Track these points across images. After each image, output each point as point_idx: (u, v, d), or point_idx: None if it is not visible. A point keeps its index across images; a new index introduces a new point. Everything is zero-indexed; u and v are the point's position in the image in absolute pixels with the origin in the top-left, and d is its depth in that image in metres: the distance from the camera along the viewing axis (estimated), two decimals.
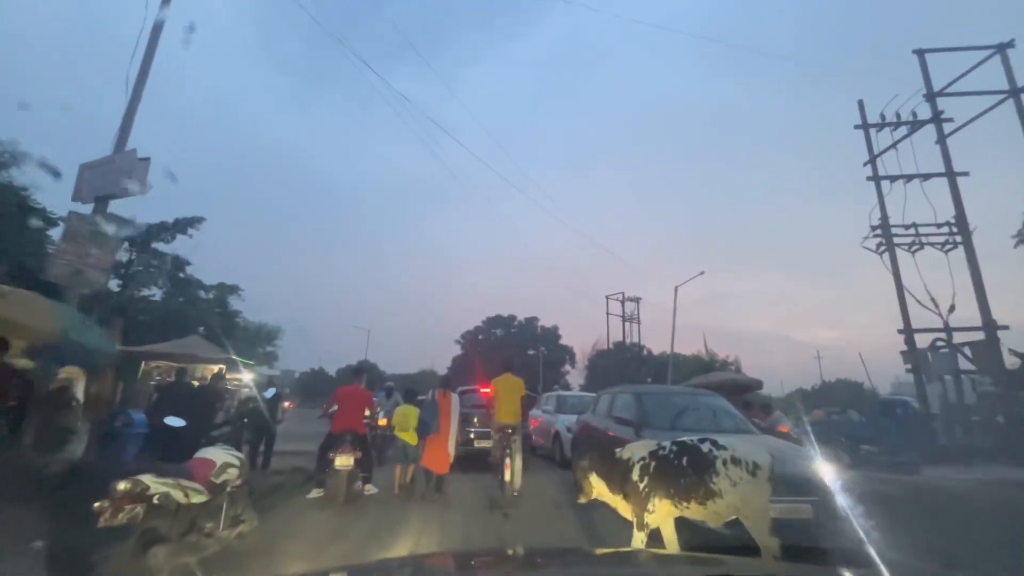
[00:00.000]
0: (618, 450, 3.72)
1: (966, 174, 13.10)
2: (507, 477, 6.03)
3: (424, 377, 56.27)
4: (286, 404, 9.31)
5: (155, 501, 2.81)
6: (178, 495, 3.01)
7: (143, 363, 12.07)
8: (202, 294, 30.49)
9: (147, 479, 2.86)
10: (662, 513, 3.37)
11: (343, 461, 5.55)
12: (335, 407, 6.14)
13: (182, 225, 23.68)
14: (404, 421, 6.76)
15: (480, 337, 48.00)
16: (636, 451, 3.60)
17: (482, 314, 49.32)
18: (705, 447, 3.46)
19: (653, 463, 3.48)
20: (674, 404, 6.12)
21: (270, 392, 8.33)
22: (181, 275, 24.49)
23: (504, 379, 6.53)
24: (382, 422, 9.27)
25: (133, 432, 6.36)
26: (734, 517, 3.28)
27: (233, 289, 33.02)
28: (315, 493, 5.94)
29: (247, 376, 11.06)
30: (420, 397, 7.20)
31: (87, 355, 5.37)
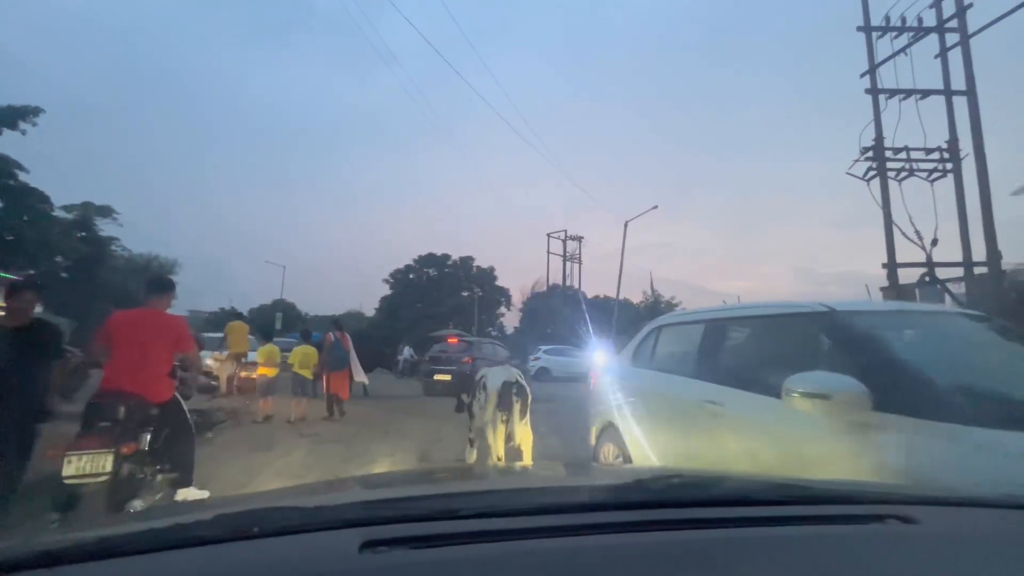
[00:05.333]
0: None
1: (963, 93, 11.72)
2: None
3: (350, 318, 52.67)
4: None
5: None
6: None
7: None
8: (63, 214, 24.48)
9: None
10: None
11: (79, 468, 2.54)
12: (107, 349, 3.09)
13: (7, 116, 17.84)
14: (305, 360, 7.77)
15: (411, 276, 44.68)
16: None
17: (416, 253, 45.47)
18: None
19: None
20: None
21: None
22: (12, 183, 18.78)
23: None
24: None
25: None
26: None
27: (105, 211, 27.00)
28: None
29: None
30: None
31: None
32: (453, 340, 13.79)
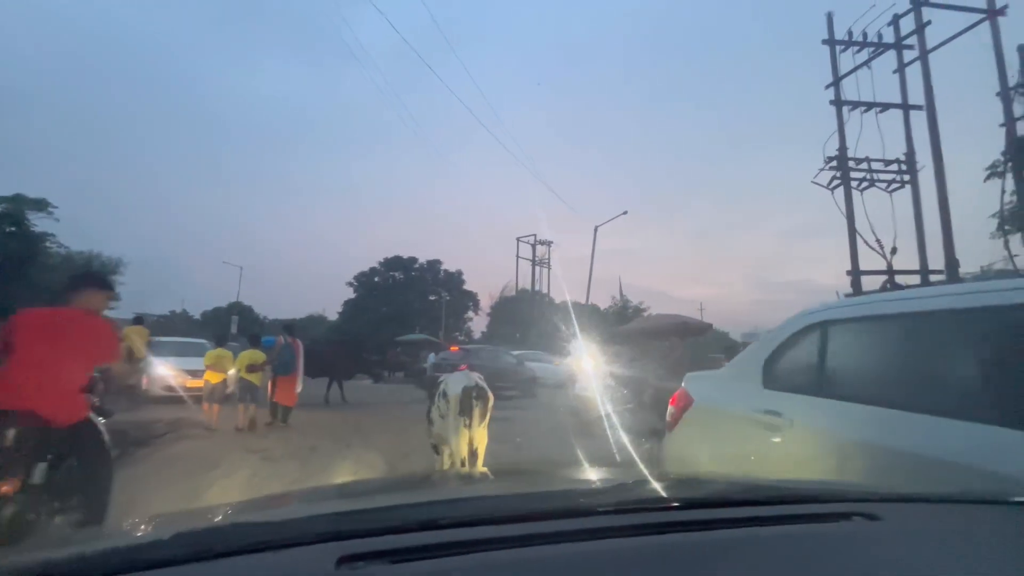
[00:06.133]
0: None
1: (919, 107, 12.21)
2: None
3: (312, 323, 50.75)
4: None
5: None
6: None
7: None
8: None
9: None
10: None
11: None
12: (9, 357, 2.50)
13: None
14: (252, 364, 7.48)
15: (376, 280, 43.58)
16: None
17: (382, 255, 44.31)
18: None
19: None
20: None
21: None
22: None
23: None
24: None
25: None
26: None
27: (40, 204, 24.93)
28: None
29: None
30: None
31: None
32: (454, 348, 14.97)
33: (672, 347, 9.15)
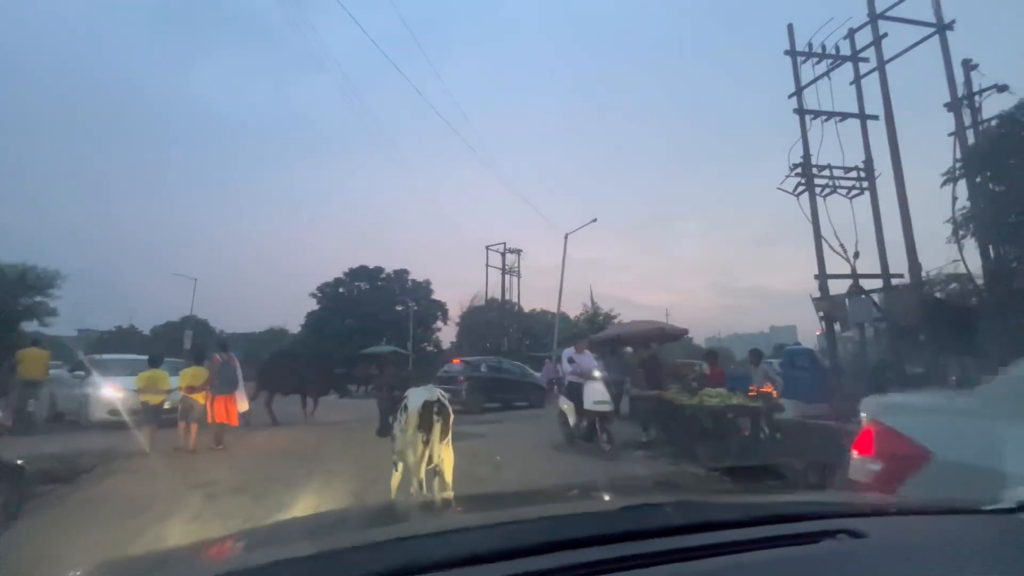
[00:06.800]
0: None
1: (876, 117, 12.65)
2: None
3: (273, 336, 48.56)
4: None
5: None
6: None
7: None
8: None
9: None
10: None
11: None
12: None
13: None
14: (195, 381, 7.21)
15: (341, 291, 42.12)
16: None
17: (346, 265, 42.88)
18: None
19: None
20: None
21: None
22: None
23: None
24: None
25: None
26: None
27: None
28: None
29: None
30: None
31: None
32: (456, 360, 15.37)
33: (652, 354, 8.97)
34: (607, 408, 6.68)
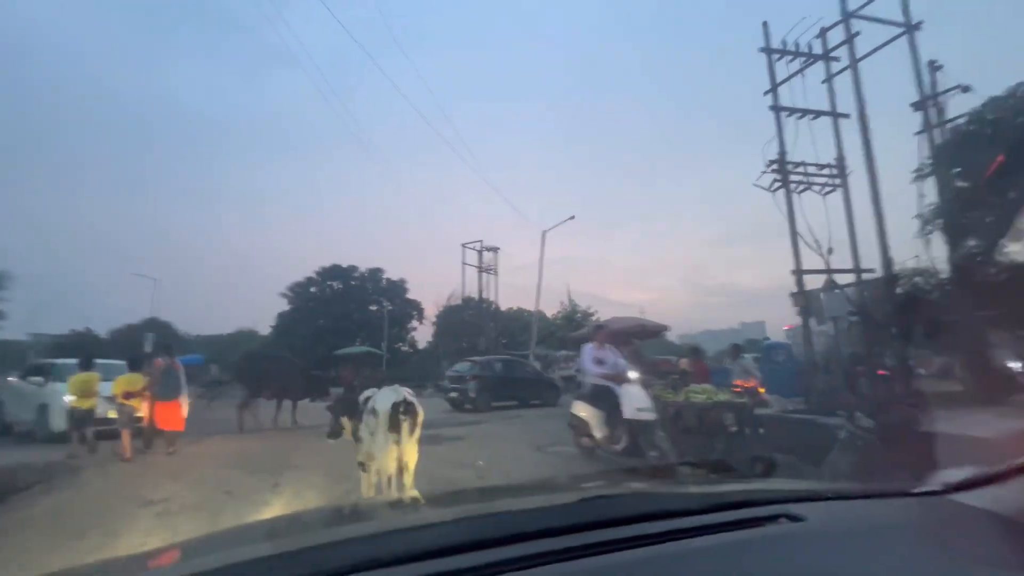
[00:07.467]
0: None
1: (847, 116, 12.88)
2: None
3: (241, 338, 46.94)
4: None
5: None
6: None
7: None
8: None
9: None
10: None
11: None
12: None
13: None
14: (130, 387, 7.06)
15: (313, 290, 41.02)
16: None
17: (318, 265, 41.76)
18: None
19: None
20: None
21: None
22: None
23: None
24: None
25: None
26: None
27: None
28: None
29: None
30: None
31: None
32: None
33: (633, 350, 8.85)
34: (652, 416, 5.58)
